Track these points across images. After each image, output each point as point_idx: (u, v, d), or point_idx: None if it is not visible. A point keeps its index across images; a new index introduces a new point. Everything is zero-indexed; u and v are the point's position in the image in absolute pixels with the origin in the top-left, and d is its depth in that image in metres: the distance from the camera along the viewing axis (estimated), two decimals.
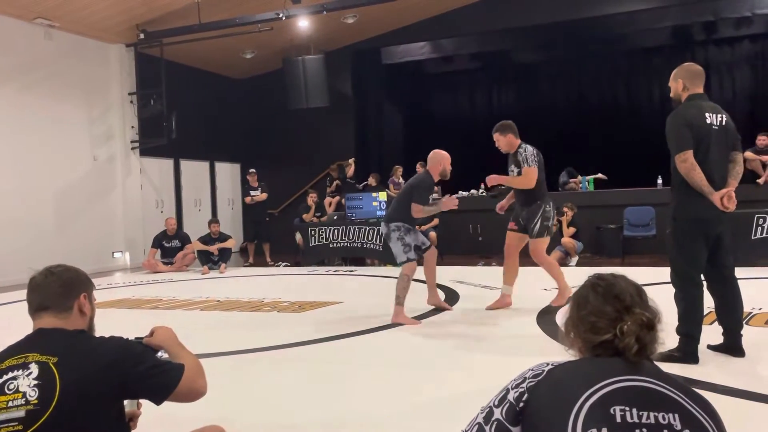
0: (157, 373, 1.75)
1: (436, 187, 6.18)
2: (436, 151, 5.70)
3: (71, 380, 1.62)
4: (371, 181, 11.78)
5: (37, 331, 1.79)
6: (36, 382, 1.61)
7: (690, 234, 3.67)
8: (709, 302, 3.75)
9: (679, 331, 3.67)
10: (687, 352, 3.64)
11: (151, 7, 10.61)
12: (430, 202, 5.54)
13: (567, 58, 13.68)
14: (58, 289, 1.83)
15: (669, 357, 3.53)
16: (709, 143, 3.61)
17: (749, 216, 8.16)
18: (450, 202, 5.56)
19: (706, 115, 3.65)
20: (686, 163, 3.56)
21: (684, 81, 3.78)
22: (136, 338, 2.08)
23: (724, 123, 3.71)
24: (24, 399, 1.59)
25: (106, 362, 1.68)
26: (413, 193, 5.43)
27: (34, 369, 1.64)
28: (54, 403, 1.59)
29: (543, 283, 6.92)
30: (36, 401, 1.59)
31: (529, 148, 5.45)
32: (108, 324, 1.90)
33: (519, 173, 5.44)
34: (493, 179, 5.60)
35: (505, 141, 5.55)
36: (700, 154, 3.58)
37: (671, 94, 3.86)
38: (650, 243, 9.73)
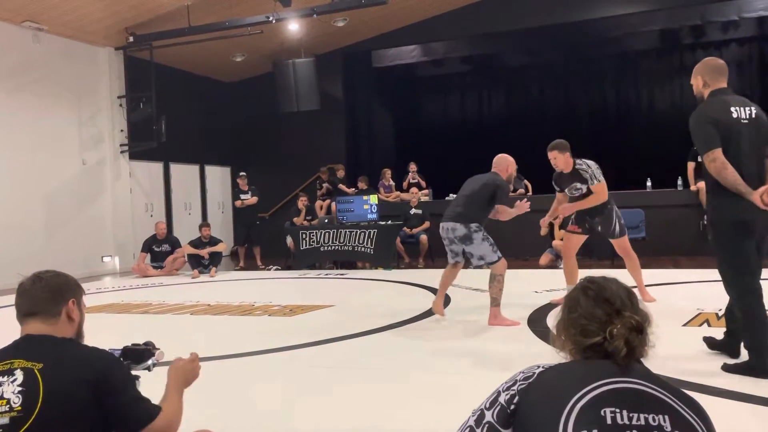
0: (134, 407, 1.73)
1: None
2: (503, 155, 5.56)
3: (55, 388, 1.62)
4: (361, 185, 11.77)
5: (25, 338, 1.78)
6: (20, 388, 1.61)
7: (733, 238, 3.39)
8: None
9: (746, 345, 3.47)
10: (754, 366, 3.40)
11: (140, 10, 10.57)
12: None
13: (556, 62, 13.77)
14: (47, 294, 1.81)
15: (745, 369, 3.39)
16: (739, 139, 3.33)
17: None
18: (524, 206, 5.34)
19: (732, 109, 3.37)
20: (716, 162, 3.28)
21: (704, 77, 3.57)
22: (145, 343, 2.10)
23: (754, 116, 3.41)
24: (8, 406, 1.59)
25: (89, 377, 1.67)
26: (499, 193, 5.21)
27: (19, 375, 1.63)
28: (37, 411, 1.58)
29: (534, 285, 6.96)
30: (20, 408, 1.59)
31: (591, 163, 5.49)
32: (97, 329, 1.90)
33: (588, 190, 5.45)
34: (566, 209, 5.60)
35: (563, 159, 5.51)
36: (731, 152, 3.29)
37: (694, 92, 3.64)
38: (640, 245, 9.72)
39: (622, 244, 5.68)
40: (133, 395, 1.75)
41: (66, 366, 1.67)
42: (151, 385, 1.98)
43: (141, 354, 2.08)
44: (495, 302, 5.18)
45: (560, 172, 5.58)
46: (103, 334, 2.08)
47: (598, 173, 5.42)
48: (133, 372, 2.06)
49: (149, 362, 2.09)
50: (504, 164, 5.48)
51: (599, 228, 5.67)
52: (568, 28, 12.30)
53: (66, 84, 11.07)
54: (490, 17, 12.15)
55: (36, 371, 1.63)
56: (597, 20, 12.18)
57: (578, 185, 5.49)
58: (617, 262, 9.55)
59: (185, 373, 2.02)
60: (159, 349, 2.12)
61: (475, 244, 5.19)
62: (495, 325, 5.10)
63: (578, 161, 5.48)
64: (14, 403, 1.59)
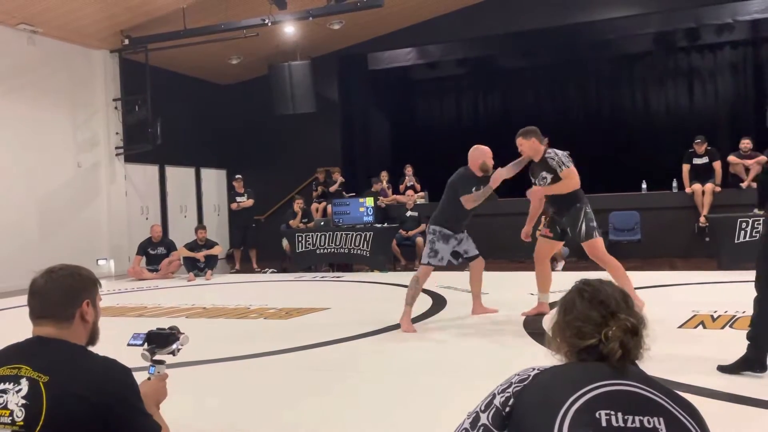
0: (139, 428, 1.69)
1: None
2: (475, 146, 5.49)
3: (58, 407, 1.58)
4: (376, 186, 11.71)
5: (36, 340, 1.74)
6: (24, 401, 1.58)
7: None
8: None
9: (748, 336, 3.50)
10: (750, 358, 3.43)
11: (135, 13, 10.55)
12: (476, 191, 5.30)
13: (552, 64, 13.79)
14: (59, 297, 1.76)
15: (742, 364, 3.41)
16: None
17: (732, 220, 8.25)
18: (499, 174, 5.20)
19: None
20: None
21: None
22: (169, 327, 2.12)
23: None
24: (11, 418, 1.57)
25: (97, 401, 1.61)
26: (456, 188, 5.29)
27: (24, 386, 1.60)
28: (39, 427, 1.56)
29: (528, 288, 6.95)
30: (22, 423, 1.56)
31: (559, 151, 5.16)
32: None
33: (554, 179, 5.09)
34: (534, 193, 5.29)
35: (528, 145, 5.18)
36: None
37: None
38: (635, 247, 9.81)
39: (591, 250, 5.18)
40: (140, 419, 1.70)
41: (73, 384, 1.61)
42: None
43: (166, 338, 2.07)
44: (407, 301, 5.29)
45: (532, 161, 5.29)
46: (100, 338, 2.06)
47: (566, 159, 5.08)
48: (158, 356, 2.07)
49: (174, 346, 2.08)
50: (473, 156, 5.42)
51: (568, 230, 5.29)
52: (564, 30, 12.34)
53: (61, 87, 11.04)
54: (486, 20, 12.19)
55: (41, 385, 1.60)
56: (592, 23, 12.24)
57: (544, 174, 5.15)
58: (621, 263, 9.60)
59: (155, 392, 2.00)
60: (184, 333, 2.10)
61: (427, 244, 5.47)
62: (400, 323, 5.21)
63: (548, 150, 5.18)
64: (17, 416, 1.57)
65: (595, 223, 5.19)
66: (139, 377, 1.94)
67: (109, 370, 1.70)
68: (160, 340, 2.05)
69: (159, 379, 2.04)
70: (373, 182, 11.87)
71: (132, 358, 2.01)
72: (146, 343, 2.05)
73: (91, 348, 1.84)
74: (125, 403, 1.66)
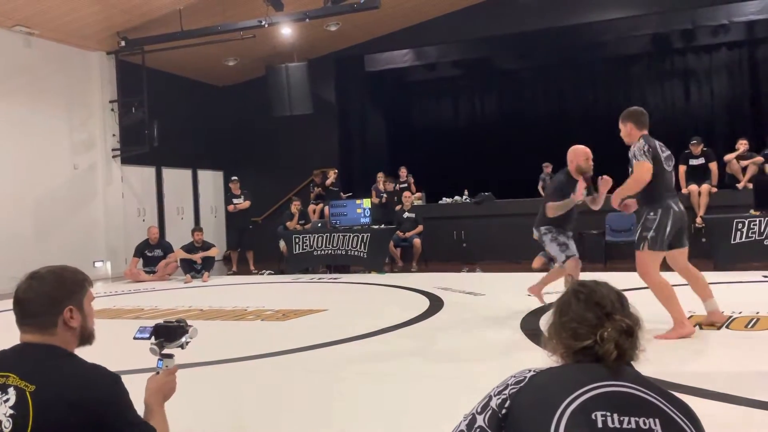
0: None
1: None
2: (572, 147, 5.34)
3: (45, 417, 1.56)
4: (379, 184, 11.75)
5: (22, 347, 1.72)
6: (11, 411, 1.57)
7: None
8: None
9: None
10: None
11: (132, 15, 10.54)
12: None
13: (548, 65, 13.84)
14: (38, 307, 1.72)
15: None
16: None
17: (728, 220, 8.26)
18: (580, 186, 5.02)
19: None
20: None
21: None
22: (177, 320, 2.06)
23: None
24: None
25: (85, 407, 1.58)
26: (548, 194, 5.40)
27: (12, 395, 1.59)
28: None
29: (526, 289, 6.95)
30: None
31: (641, 142, 4.46)
32: None
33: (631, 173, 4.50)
34: (613, 200, 4.79)
35: (624, 131, 4.66)
36: None
37: None
38: (632, 248, 9.77)
39: (637, 259, 4.71)
40: (128, 429, 1.66)
41: (60, 393, 1.59)
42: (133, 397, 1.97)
43: (174, 331, 2.02)
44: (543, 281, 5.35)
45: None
46: (95, 340, 2.04)
47: (639, 152, 4.42)
48: (166, 350, 2.02)
49: (182, 340, 2.02)
50: (568, 159, 5.29)
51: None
52: (560, 32, 12.37)
53: (57, 88, 11.02)
54: (482, 21, 12.21)
55: (27, 394, 1.57)
56: (589, 24, 12.27)
57: (629, 167, 4.63)
58: (609, 264, 9.62)
59: (162, 387, 1.96)
60: (192, 325, 2.05)
61: (547, 246, 5.40)
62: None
63: (641, 138, 4.52)
64: (5, 427, 1.55)
65: (652, 233, 4.51)
66: (143, 378, 1.94)
67: (97, 377, 1.66)
68: (168, 334, 2.00)
69: (167, 374, 1.99)
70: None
71: (136, 354, 2.00)
72: (154, 337, 2.00)
73: (87, 347, 1.81)
74: (113, 411, 1.63)
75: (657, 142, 4.55)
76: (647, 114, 4.64)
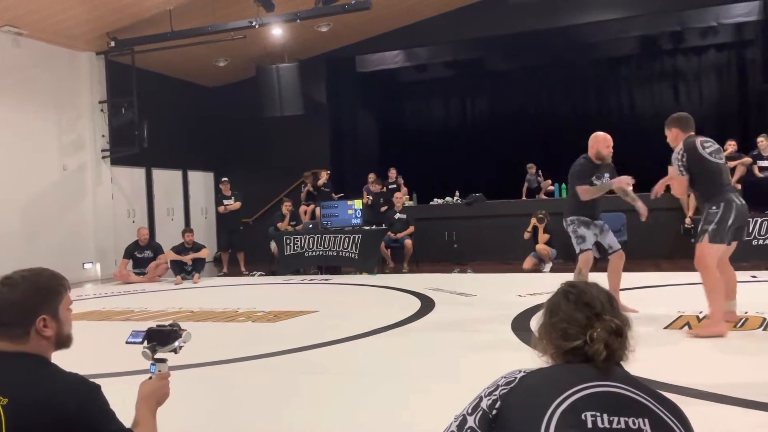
0: None
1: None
2: (594, 134, 5.42)
3: (17, 428, 1.50)
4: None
5: None
6: None
7: None
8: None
9: None
10: None
11: (121, 15, 10.48)
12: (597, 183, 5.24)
13: (538, 67, 13.89)
14: (8, 316, 1.64)
15: None
16: None
17: None
18: (622, 181, 5.23)
19: None
20: None
21: None
22: (170, 324, 2.03)
23: None
24: None
25: (60, 415, 1.53)
26: (572, 180, 5.33)
27: None
28: None
29: (517, 289, 6.98)
30: None
31: (679, 146, 4.58)
32: (76, 337, 1.83)
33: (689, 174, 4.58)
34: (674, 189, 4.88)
35: (670, 137, 4.76)
36: None
37: None
38: (622, 248, 9.85)
39: (696, 251, 4.68)
40: (111, 428, 1.61)
41: (34, 406, 1.53)
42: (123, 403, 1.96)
43: (167, 335, 1.98)
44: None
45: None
46: (84, 342, 2.03)
47: (674, 161, 4.58)
48: (159, 354, 1.98)
49: (176, 344, 1.98)
50: (590, 144, 5.35)
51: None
52: (551, 33, 12.43)
53: (46, 89, 10.94)
54: (473, 22, 12.24)
55: (0, 408, 1.51)
56: (579, 26, 12.33)
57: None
58: (599, 265, 9.66)
59: (155, 392, 1.91)
60: (186, 329, 2.01)
61: (572, 237, 5.41)
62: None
63: (687, 140, 4.61)
64: None
65: (714, 226, 4.47)
66: (136, 381, 1.92)
67: (74, 387, 1.61)
68: (161, 338, 1.97)
69: (160, 378, 1.95)
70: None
71: (129, 358, 1.98)
72: (146, 341, 1.96)
73: (74, 349, 1.76)
74: (93, 424, 1.58)
75: (700, 139, 4.57)
76: (691, 117, 4.76)
